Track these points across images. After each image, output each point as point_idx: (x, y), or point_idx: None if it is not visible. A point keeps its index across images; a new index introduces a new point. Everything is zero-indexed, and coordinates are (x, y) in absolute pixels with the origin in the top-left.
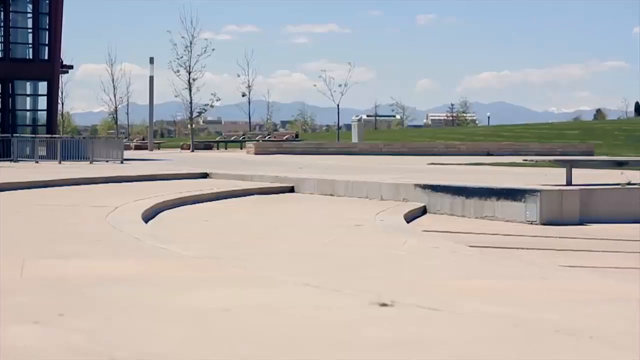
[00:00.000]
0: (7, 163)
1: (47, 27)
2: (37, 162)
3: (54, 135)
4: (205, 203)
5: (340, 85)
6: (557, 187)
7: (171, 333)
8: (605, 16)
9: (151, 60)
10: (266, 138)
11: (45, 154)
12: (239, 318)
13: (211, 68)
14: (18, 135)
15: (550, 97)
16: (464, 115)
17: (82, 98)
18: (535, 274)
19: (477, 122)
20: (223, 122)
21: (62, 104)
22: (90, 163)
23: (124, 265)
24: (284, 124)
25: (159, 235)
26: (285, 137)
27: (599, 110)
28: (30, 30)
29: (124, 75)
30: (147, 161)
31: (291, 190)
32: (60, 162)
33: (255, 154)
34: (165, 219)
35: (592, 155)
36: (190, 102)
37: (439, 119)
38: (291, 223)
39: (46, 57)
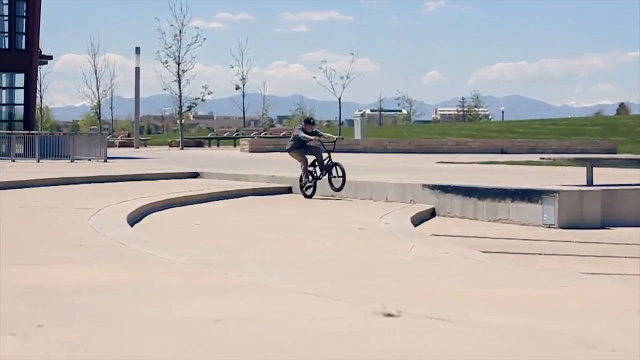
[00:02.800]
0: None
1: (25, 14)
2: (13, 160)
3: (31, 132)
4: (195, 205)
5: (341, 78)
6: (577, 188)
7: (159, 346)
8: (628, 3)
9: (137, 50)
10: (262, 134)
11: (22, 151)
12: (232, 329)
13: (202, 59)
14: None
15: (570, 90)
16: (476, 109)
17: (63, 91)
18: (553, 282)
19: (490, 117)
20: (215, 118)
21: (41, 97)
22: (71, 162)
23: (108, 272)
24: (281, 119)
25: (145, 240)
26: (283, 133)
27: (622, 105)
28: (6, 18)
29: (107, 66)
30: (132, 159)
31: (289, 191)
32: (38, 161)
33: (250, 151)
34: (153, 221)
35: (615, 153)
36: (180, 96)
37: (449, 114)
38: (289, 226)
39: (23, 47)
